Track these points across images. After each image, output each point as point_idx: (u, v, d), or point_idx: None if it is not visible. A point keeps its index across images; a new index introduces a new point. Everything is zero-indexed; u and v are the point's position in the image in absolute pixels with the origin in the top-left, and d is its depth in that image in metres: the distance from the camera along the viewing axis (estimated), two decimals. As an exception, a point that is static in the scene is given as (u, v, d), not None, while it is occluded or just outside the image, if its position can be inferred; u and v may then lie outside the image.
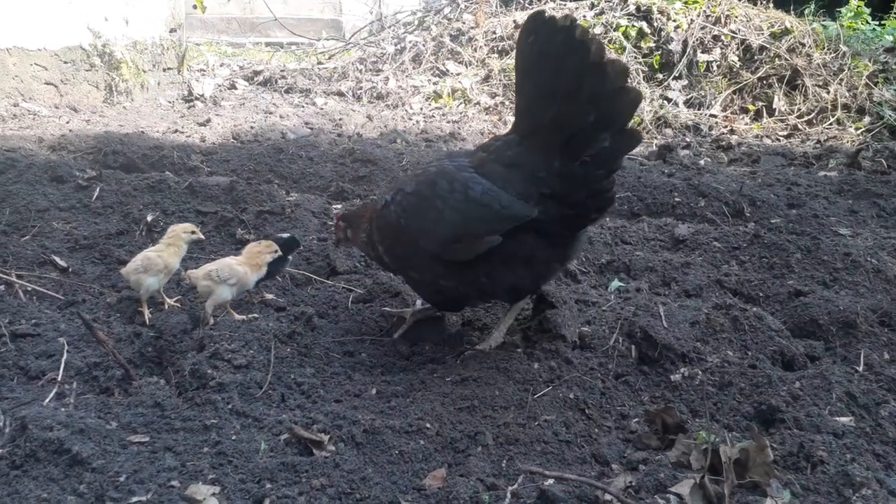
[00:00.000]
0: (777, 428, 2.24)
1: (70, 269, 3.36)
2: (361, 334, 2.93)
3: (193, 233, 3.07)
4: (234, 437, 2.07)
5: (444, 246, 2.56)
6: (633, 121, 2.42)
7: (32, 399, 2.27)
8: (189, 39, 10.00)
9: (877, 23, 11.03)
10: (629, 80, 2.38)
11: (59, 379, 2.40)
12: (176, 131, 6.73)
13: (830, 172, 6.66)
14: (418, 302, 3.05)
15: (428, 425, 2.23)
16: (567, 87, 2.32)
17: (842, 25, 10.04)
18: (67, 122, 6.57)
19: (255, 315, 2.82)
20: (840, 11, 11.10)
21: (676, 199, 4.96)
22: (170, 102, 8.44)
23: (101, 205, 4.04)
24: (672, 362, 2.63)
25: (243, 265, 2.82)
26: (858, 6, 10.90)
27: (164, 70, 8.81)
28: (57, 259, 3.37)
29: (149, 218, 3.87)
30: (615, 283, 3.53)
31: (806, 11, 10.51)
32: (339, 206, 4.30)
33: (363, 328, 2.98)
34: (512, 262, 2.55)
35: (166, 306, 2.98)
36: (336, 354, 2.73)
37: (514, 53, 10.17)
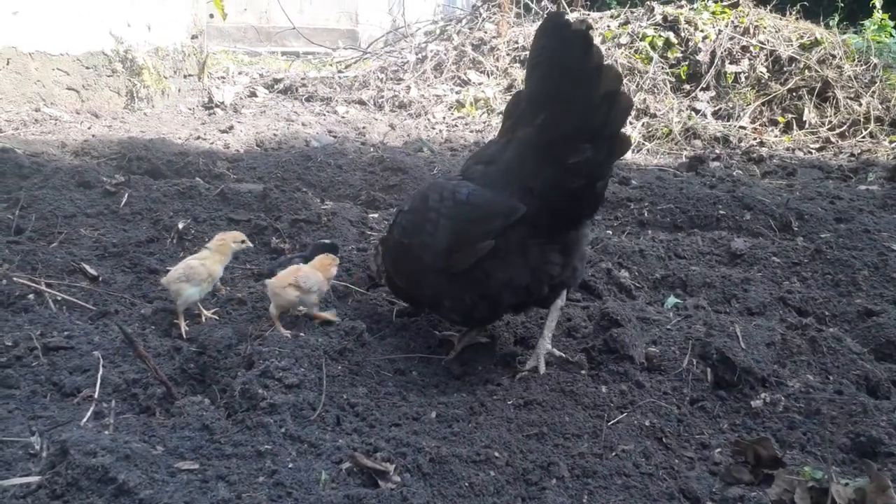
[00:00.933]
0: (883, 463, 2.05)
1: (100, 278, 3.20)
2: (410, 351, 2.75)
3: (243, 242, 2.91)
4: (290, 465, 1.89)
5: (445, 257, 2.52)
6: (627, 131, 2.37)
7: (69, 419, 2.10)
8: (208, 48, 9.90)
9: (902, 36, 10.87)
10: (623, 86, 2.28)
11: (95, 396, 2.23)
12: (198, 138, 6.59)
13: (871, 186, 6.46)
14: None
15: (496, 454, 2.04)
16: (564, 90, 2.25)
17: (865, 38, 9.86)
18: (89, 128, 6.45)
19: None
20: (863, 24, 10.93)
21: (721, 212, 4.78)
22: (190, 109, 8.33)
23: (130, 211, 3.89)
24: (751, 387, 2.44)
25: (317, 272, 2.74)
26: (882, 19, 10.73)
27: (185, 77, 8.71)
28: (87, 267, 3.21)
29: (180, 226, 3.71)
30: (671, 300, 3.35)
31: (830, 23, 10.36)
32: (376, 215, 4.13)
33: (411, 344, 2.80)
34: (507, 262, 2.48)
35: (203, 319, 2.81)
36: (387, 373, 2.55)
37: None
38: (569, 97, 2.21)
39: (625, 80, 8.24)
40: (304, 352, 2.38)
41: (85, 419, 2.11)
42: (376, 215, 4.13)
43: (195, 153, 5.50)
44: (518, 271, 2.50)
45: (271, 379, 2.19)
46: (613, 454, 2.11)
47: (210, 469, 1.86)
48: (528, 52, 10.02)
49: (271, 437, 2.01)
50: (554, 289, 2.59)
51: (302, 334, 2.54)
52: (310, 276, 2.67)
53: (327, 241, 3.03)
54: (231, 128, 7.12)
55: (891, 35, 10.80)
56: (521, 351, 2.77)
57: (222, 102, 8.60)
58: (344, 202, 4.67)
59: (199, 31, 8.92)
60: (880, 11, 10.79)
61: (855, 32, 10.33)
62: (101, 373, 2.33)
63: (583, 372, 2.54)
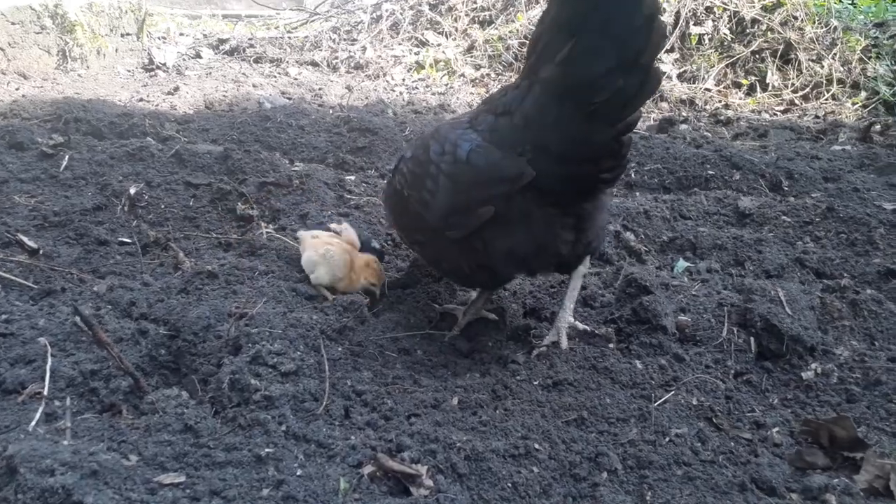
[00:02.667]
0: (968, 438, 1.83)
1: (41, 251, 2.75)
2: (411, 327, 2.42)
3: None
4: (299, 473, 1.54)
5: (443, 219, 2.19)
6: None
7: (14, 423, 1.70)
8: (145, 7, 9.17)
9: (849, 2, 10.87)
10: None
11: (45, 393, 1.83)
12: (141, 100, 6.04)
13: (845, 147, 6.37)
14: (473, 294, 2.55)
15: (536, 446, 1.74)
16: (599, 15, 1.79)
17: (815, 4, 9.80)
18: (17, 89, 5.82)
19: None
20: (814, -12, 10.90)
21: (710, 172, 4.56)
22: (129, 71, 7.69)
23: (72, 175, 3.41)
24: (800, 356, 2.20)
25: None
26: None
27: (123, 36, 8.03)
28: (24, 239, 2.75)
29: (132, 191, 3.27)
30: (681, 264, 3.09)
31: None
32: (353, 177, 3.75)
33: (411, 319, 2.47)
34: (509, 231, 2.14)
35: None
36: (391, 353, 2.21)
37: (498, 23, 9.67)
38: (606, 18, 1.79)
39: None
40: (297, 332, 2.02)
41: (34, 422, 1.71)
42: (353, 178, 3.75)
43: (140, 114, 4.98)
44: (520, 242, 2.16)
45: (264, 366, 1.83)
46: (667, 440, 1.83)
47: (200, 482, 1.49)
48: (487, 13, 9.67)
49: (271, 437, 1.65)
50: (563, 264, 2.28)
51: (293, 312, 2.17)
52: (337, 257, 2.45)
53: (376, 244, 2.76)
54: (176, 89, 6.57)
55: (840, 1, 10.78)
56: (533, 324, 2.47)
57: (164, 64, 7.99)
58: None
59: (137, -14, 8.24)
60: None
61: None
62: (49, 363, 1.92)
63: (611, 346, 2.26)
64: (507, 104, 2.10)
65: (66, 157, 3.51)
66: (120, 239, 3.01)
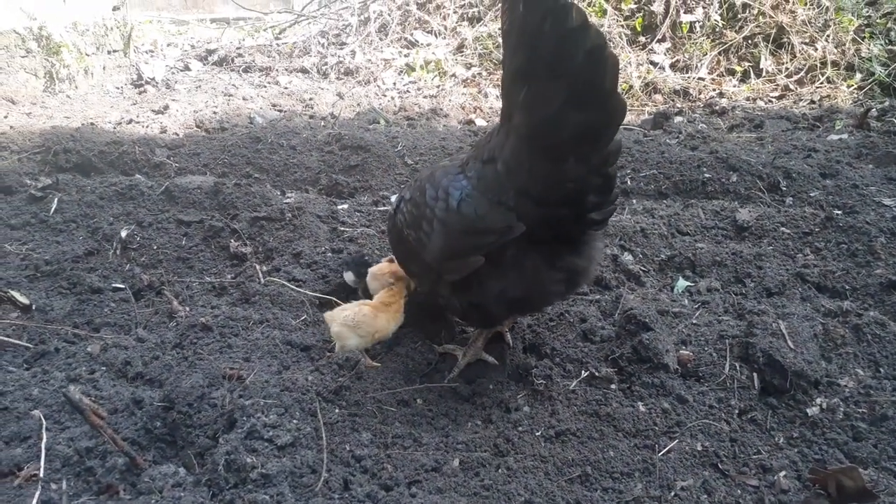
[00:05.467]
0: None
1: (34, 307, 2.72)
2: (410, 373, 2.39)
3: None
4: (301, 560, 1.52)
5: (438, 261, 2.19)
6: (620, 87, 1.85)
7: (9, 513, 1.68)
8: (131, 18, 9.08)
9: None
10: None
11: (41, 475, 1.81)
12: (131, 121, 5.98)
13: (842, 136, 6.31)
14: (472, 331, 2.52)
15: (541, 509, 1.71)
16: (543, 59, 1.75)
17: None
18: (6, 117, 5.77)
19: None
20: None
21: (706, 175, 4.52)
22: (118, 88, 7.63)
23: (62, 219, 3.38)
24: (804, 391, 2.17)
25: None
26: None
27: (110, 53, 7.97)
28: (16, 295, 2.72)
29: (123, 233, 3.24)
30: (682, 283, 3.06)
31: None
32: (345, 206, 3.71)
33: (410, 364, 2.44)
34: (502, 274, 2.13)
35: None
36: (391, 407, 2.19)
37: (486, 20, 9.58)
38: (551, 61, 1.73)
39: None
40: (292, 396, 1.99)
41: (30, 510, 1.69)
42: (346, 206, 3.70)
43: (129, 141, 4.94)
44: (512, 285, 2.15)
45: (260, 440, 1.81)
46: (672, 494, 1.81)
47: (199, 576, 1.47)
48: (475, 10, 9.58)
49: (270, 519, 1.63)
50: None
51: (288, 370, 2.14)
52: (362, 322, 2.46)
53: (365, 256, 2.74)
54: (166, 107, 6.51)
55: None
56: (534, 361, 2.44)
57: (153, 79, 7.91)
58: (305, 190, 4.23)
59: (122, 2, 8.16)
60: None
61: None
62: (45, 440, 1.90)
63: (612, 387, 2.23)
64: (491, 150, 2.07)
65: (56, 199, 3.48)
66: (113, 285, 2.98)
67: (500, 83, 2.07)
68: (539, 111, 1.79)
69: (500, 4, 8.11)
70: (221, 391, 2.03)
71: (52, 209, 3.43)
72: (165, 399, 2.05)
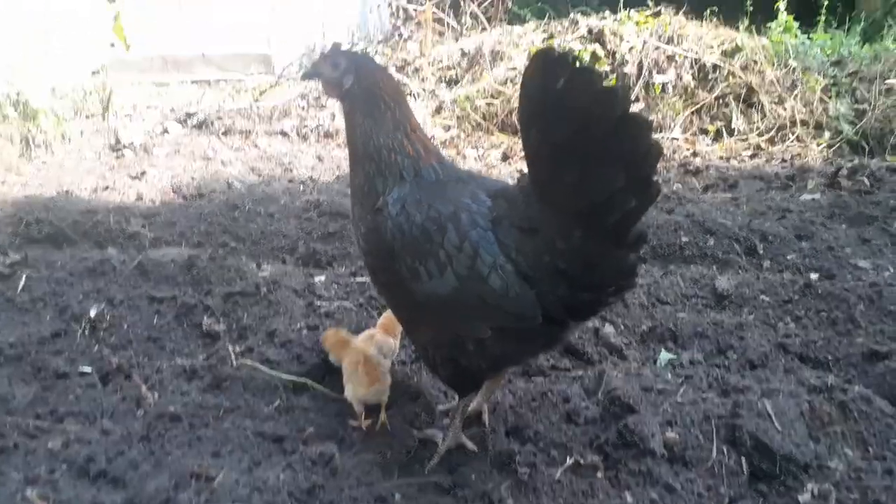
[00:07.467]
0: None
1: (-6, 396, 2.61)
2: (387, 464, 2.31)
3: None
4: None
5: (433, 307, 2.14)
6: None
7: None
8: (111, 81, 9.10)
9: (806, 36, 11.11)
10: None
11: None
12: (107, 188, 5.92)
13: (814, 195, 6.40)
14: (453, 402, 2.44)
15: None
16: (592, 146, 1.82)
17: (772, 41, 9.99)
18: (-21, 184, 5.70)
19: None
20: (770, 27, 11.13)
21: (684, 240, 4.54)
22: (95, 153, 7.58)
23: (30, 298, 3.29)
24: (794, 476, 2.11)
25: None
26: (787, 21, 10.94)
27: (88, 117, 7.97)
28: (-24, 384, 2.62)
29: (92, 313, 3.15)
30: (665, 356, 3.03)
31: (740, 27, 10.46)
32: (322, 278, 3.65)
33: (388, 453, 2.36)
34: (487, 346, 2.13)
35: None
36: (367, 505, 2.09)
37: (463, 82, 9.73)
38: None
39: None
40: (263, 499, 1.89)
41: None
42: (323, 278, 3.65)
43: (104, 210, 4.88)
44: (509, 355, 2.20)
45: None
46: None
47: None
48: (452, 72, 9.73)
49: None
50: None
51: (259, 467, 2.05)
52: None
53: None
54: (143, 173, 6.47)
55: (796, 36, 11.01)
56: (517, 447, 2.36)
57: (131, 143, 7.87)
58: (282, 259, 4.17)
59: (101, 67, 8.19)
60: (785, 14, 11.00)
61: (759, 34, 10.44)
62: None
63: (598, 475, 2.16)
64: (531, 220, 2.02)
65: (24, 276, 3.39)
66: (80, 369, 2.88)
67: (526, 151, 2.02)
68: (595, 194, 1.82)
69: (476, 66, 8.16)
70: (188, 494, 1.93)
71: (20, 287, 3.34)
72: (128, 499, 1.95)
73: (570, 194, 1.88)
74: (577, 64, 1.86)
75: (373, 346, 2.58)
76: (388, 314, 2.81)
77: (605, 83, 1.82)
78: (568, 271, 1.95)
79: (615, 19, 9.79)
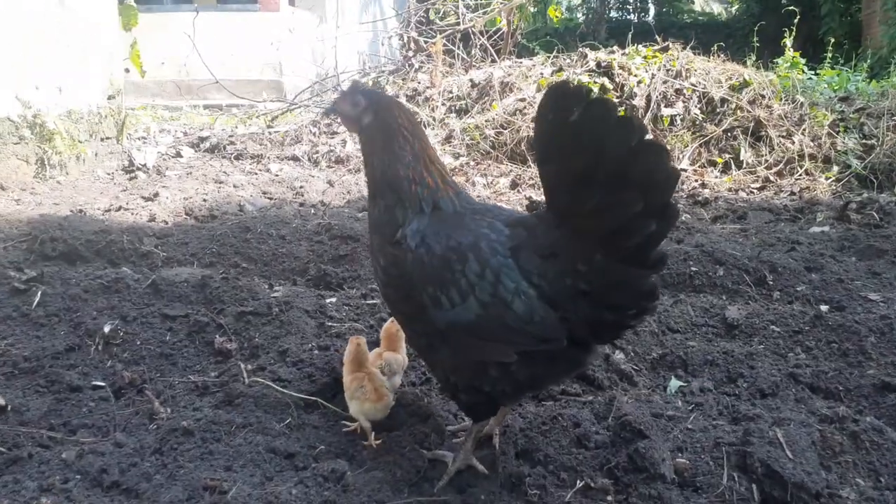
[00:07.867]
0: None
1: (9, 408, 2.63)
2: (397, 482, 2.30)
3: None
4: None
5: (454, 339, 2.17)
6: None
7: None
8: (125, 105, 9.25)
9: (812, 72, 11.23)
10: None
11: None
12: (120, 208, 5.99)
13: (823, 227, 6.42)
14: (469, 439, 2.43)
15: None
16: (610, 172, 1.87)
17: (779, 76, 10.09)
18: (-6, 204, 5.78)
19: None
20: (776, 62, 11.26)
21: (693, 269, 4.55)
22: (109, 175, 7.69)
23: (44, 313, 3.32)
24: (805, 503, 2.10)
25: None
26: (794, 57, 11.07)
27: (102, 140, 8.07)
28: (-9, 395, 2.64)
29: (106, 329, 3.17)
30: (674, 383, 3.03)
31: (748, 62, 10.57)
32: (334, 300, 3.68)
33: (398, 473, 2.35)
34: (509, 371, 2.17)
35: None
36: (378, 522, 2.09)
37: (473, 112, 9.82)
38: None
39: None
40: (277, 515, 1.90)
41: None
42: (334, 300, 3.67)
43: (118, 230, 4.93)
44: (531, 380, 2.21)
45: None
46: None
47: None
48: (462, 102, 9.84)
49: None
50: None
51: (272, 482, 2.06)
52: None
53: None
54: (156, 195, 6.54)
55: (803, 72, 11.12)
56: (527, 470, 2.36)
57: (144, 165, 7.99)
58: (294, 281, 4.20)
59: (116, 91, 8.32)
60: (791, 50, 11.13)
61: (767, 70, 10.55)
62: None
63: (609, 498, 2.16)
64: (552, 247, 2.06)
65: (39, 292, 3.42)
66: (93, 383, 2.90)
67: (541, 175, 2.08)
68: (615, 219, 1.87)
69: (486, 97, 8.24)
70: (201, 505, 1.95)
71: (35, 302, 3.37)
72: (141, 514, 1.96)
73: (590, 219, 1.93)
74: (592, 95, 1.90)
75: (381, 363, 2.65)
76: (385, 330, 2.87)
77: (619, 112, 1.86)
78: (590, 293, 1.99)
79: (623, 53, 9.94)
